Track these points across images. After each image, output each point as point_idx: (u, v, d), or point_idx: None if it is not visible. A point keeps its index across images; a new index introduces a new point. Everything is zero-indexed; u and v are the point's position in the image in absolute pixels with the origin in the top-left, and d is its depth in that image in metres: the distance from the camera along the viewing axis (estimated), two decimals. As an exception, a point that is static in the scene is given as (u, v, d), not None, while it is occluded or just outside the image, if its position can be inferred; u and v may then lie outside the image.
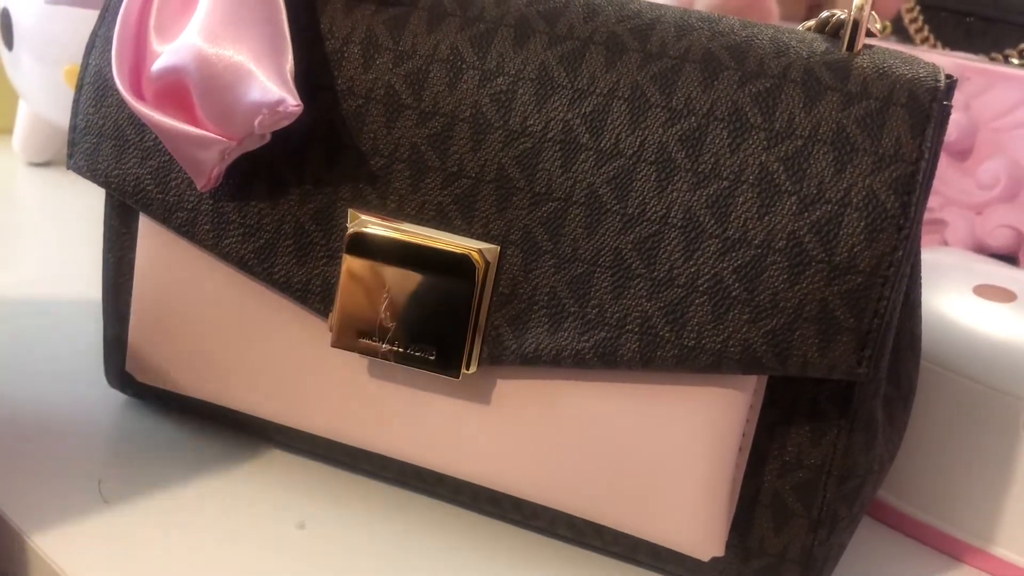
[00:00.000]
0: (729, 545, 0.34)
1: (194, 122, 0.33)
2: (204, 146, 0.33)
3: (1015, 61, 0.68)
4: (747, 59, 0.32)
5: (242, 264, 0.35)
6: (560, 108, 0.32)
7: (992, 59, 0.69)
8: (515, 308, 0.33)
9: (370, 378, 0.35)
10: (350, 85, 0.34)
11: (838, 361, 0.30)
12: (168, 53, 0.32)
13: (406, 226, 0.34)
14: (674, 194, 0.31)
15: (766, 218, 0.30)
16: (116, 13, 0.34)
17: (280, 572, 0.34)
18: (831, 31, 0.33)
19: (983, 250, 0.56)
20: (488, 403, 0.34)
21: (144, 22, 0.34)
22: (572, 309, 0.32)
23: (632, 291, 0.32)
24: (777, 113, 0.31)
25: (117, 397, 0.42)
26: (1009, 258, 0.56)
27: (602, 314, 0.32)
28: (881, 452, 0.35)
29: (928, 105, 0.30)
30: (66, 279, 0.52)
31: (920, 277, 0.35)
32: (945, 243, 0.57)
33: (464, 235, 0.33)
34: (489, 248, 0.33)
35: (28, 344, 0.45)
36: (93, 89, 0.37)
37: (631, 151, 0.32)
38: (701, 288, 0.31)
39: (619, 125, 0.32)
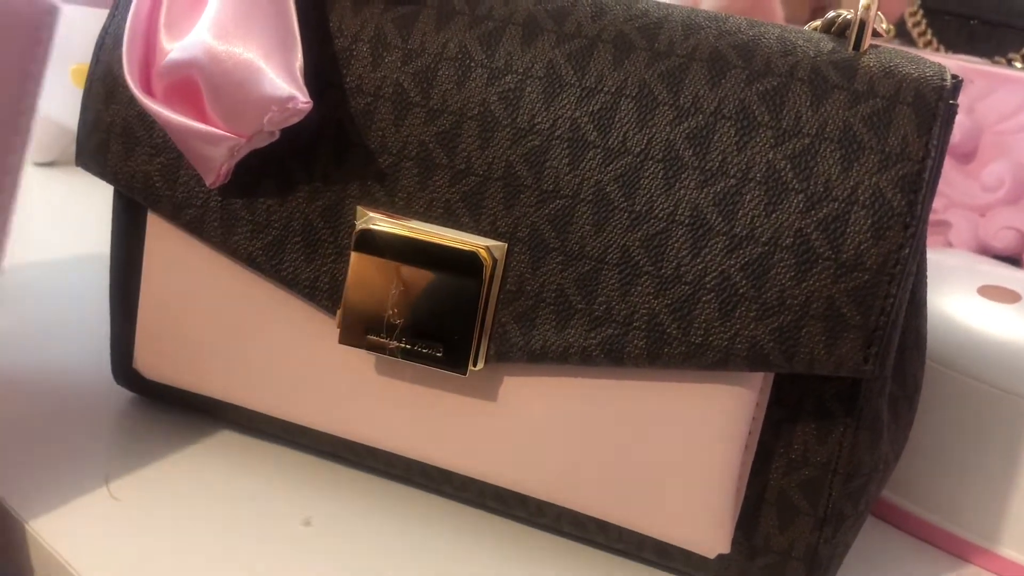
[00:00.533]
0: (735, 542, 0.34)
1: (204, 119, 0.33)
2: (213, 143, 0.33)
3: (1018, 65, 0.69)
4: (754, 58, 0.32)
5: (250, 260, 0.35)
6: (568, 106, 0.32)
7: (995, 63, 0.69)
8: (522, 305, 0.33)
9: (377, 375, 0.36)
10: (359, 83, 0.34)
11: (845, 358, 0.30)
12: (178, 50, 0.32)
13: (414, 223, 0.34)
14: (681, 191, 0.31)
15: (773, 215, 0.30)
16: (126, 11, 0.34)
17: (286, 568, 0.34)
18: (837, 31, 0.33)
19: (987, 252, 0.56)
20: (495, 400, 0.34)
21: (154, 19, 0.34)
22: (579, 306, 0.32)
23: (639, 288, 0.32)
24: (784, 111, 0.31)
25: (124, 394, 0.42)
26: (1013, 259, 0.56)
27: (609, 311, 0.32)
28: (886, 451, 0.35)
29: (934, 104, 0.30)
30: (73, 277, 0.52)
31: (926, 276, 0.35)
32: (949, 245, 0.57)
33: (472, 232, 0.33)
34: (496, 245, 0.33)
35: (36, 342, 0.45)
36: (103, 86, 0.37)
37: (638, 149, 0.32)
38: (708, 285, 0.31)
39: (627, 123, 0.32)
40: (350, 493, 0.38)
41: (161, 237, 0.37)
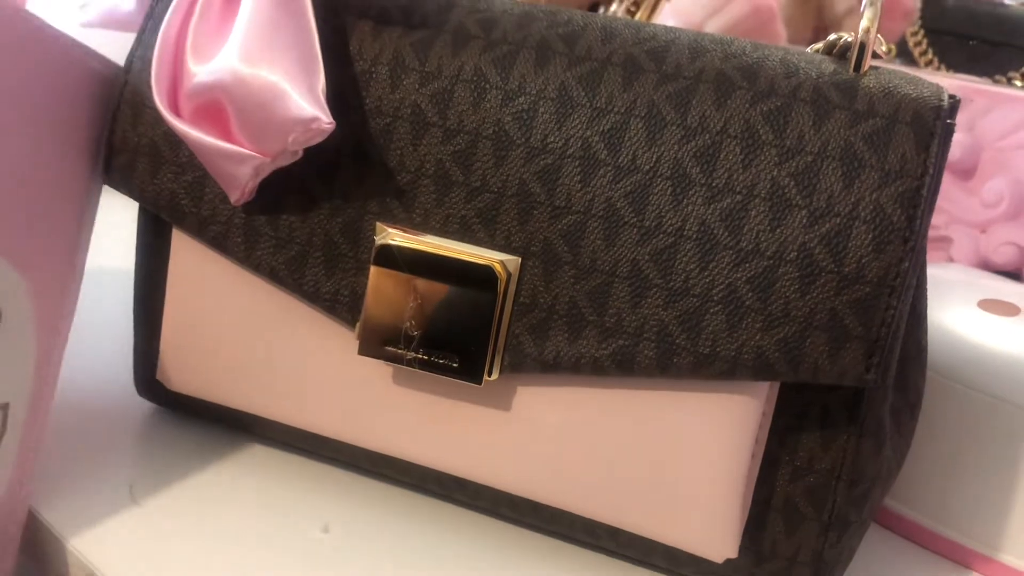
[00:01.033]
0: (742, 548, 0.35)
1: (229, 138, 0.34)
2: (239, 162, 0.34)
3: (1018, 83, 0.70)
4: (758, 79, 0.33)
5: (272, 275, 0.37)
6: (579, 126, 0.34)
7: (996, 81, 0.70)
8: (536, 317, 0.34)
9: (394, 385, 0.37)
10: (378, 104, 0.36)
11: (847, 368, 0.31)
12: (205, 73, 0.34)
13: (431, 238, 0.35)
14: (689, 208, 0.33)
15: (778, 231, 0.32)
16: (153, 35, 0.36)
17: (305, 574, 0.35)
18: (838, 53, 0.35)
19: (987, 267, 0.58)
20: (509, 409, 0.35)
21: (182, 43, 0.35)
22: (591, 318, 0.34)
23: (649, 301, 0.33)
24: (788, 130, 0.32)
25: (147, 406, 0.43)
26: (1013, 274, 0.57)
27: (620, 323, 0.33)
28: (889, 458, 0.36)
29: (932, 123, 0.32)
30: (98, 291, 0.53)
31: (926, 289, 0.37)
32: (950, 260, 0.58)
33: (487, 247, 0.35)
34: (511, 259, 0.34)
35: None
36: (130, 108, 0.38)
37: (648, 167, 0.33)
38: (716, 298, 0.32)
39: (636, 142, 0.33)
40: (367, 501, 0.39)
41: (185, 252, 0.39)
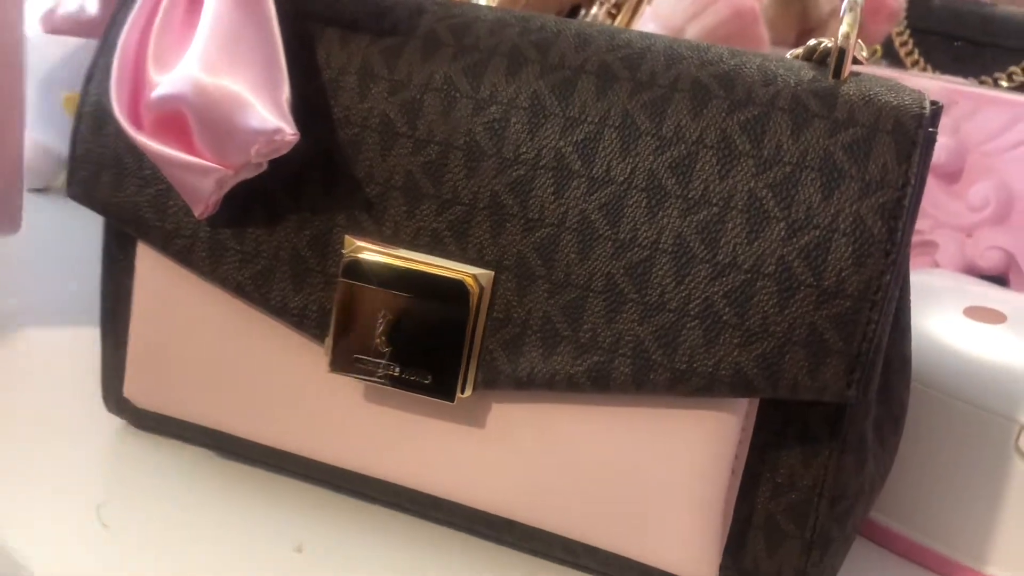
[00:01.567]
0: (723, 567, 0.34)
1: (192, 151, 0.33)
2: (201, 174, 0.33)
3: (1004, 84, 0.69)
4: (735, 87, 0.32)
5: (239, 290, 0.36)
6: (552, 136, 0.33)
7: (982, 82, 0.70)
8: (509, 332, 0.33)
9: (366, 402, 0.36)
10: (346, 114, 0.35)
11: (828, 384, 0.31)
12: (166, 84, 0.33)
13: (402, 252, 0.34)
14: (664, 220, 0.32)
15: (755, 243, 0.31)
16: (115, 43, 0.35)
17: (277, 596, 0.34)
18: (818, 59, 0.34)
19: (974, 272, 0.57)
20: (483, 426, 0.35)
21: (143, 52, 0.34)
22: (565, 333, 0.33)
23: (624, 315, 0.32)
24: (765, 140, 0.31)
25: (116, 422, 0.42)
26: (1000, 279, 0.56)
27: (595, 338, 0.32)
28: (872, 473, 0.35)
29: (914, 132, 0.31)
30: (64, 305, 0.52)
31: (909, 300, 0.36)
32: (936, 265, 0.58)
33: (459, 261, 0.34)
34: (483, 273, 0.33)
35: (27, 369, 0.46)
36: (92, 118, 0.37)
37: (622, 178, 0.32)
38: (692, 312, 0.31)
39: (610, 153, 0.32)
40: (341, 519, 0.38)
41: (151, 267, 0.38)
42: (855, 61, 0.33)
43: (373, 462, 0.36)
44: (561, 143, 0.33)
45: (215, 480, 0.40)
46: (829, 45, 0.33)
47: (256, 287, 0.35)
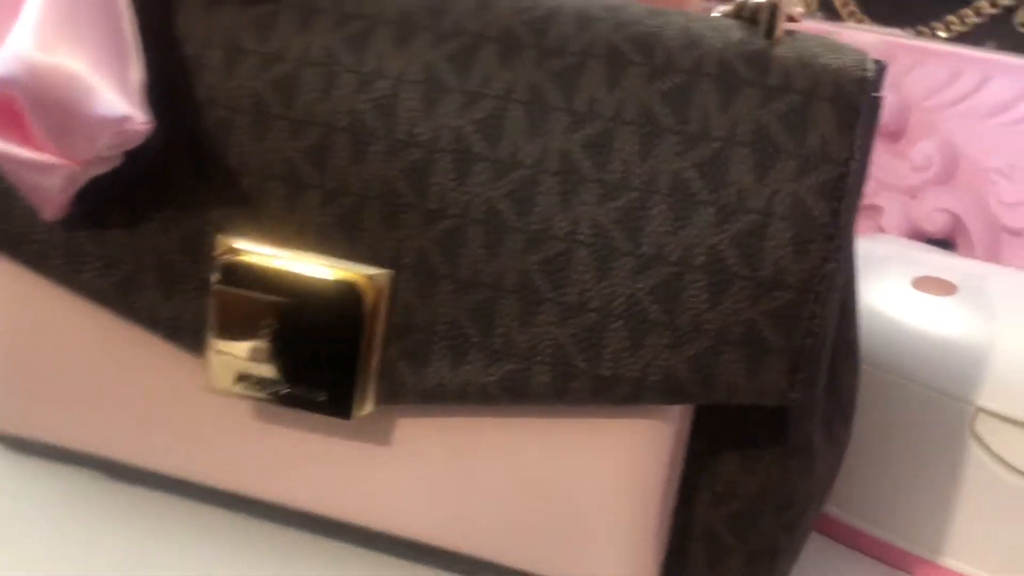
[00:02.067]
0: (661, 586, 0.31)
1: (31, 143, 0.28)
2: (45, 172, 0.29)
3: (942, 35, 0.66)
4: (655, 52, 0.28)
5: (102, 299, 0.31)
6: (450, 114, 0.29)
7: (919, 33, 0.67)
8: (412, 340, 0.29)
9: (255, 420, 0.32)
10: (212, 95, 0.30)
11: (768, 386, 0.27)
12: (-6, 64, 0.28)
13: (284, 252, 0.30)
14: (581, 208, 0.28)
15: (682, 232, 0.27)
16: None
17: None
18: (749, 17, 0.30)
19: (919, 235, 0.54)
20: (388, 444, 0.31)
21: (-31, 29, 0.29)
22: (476, 339, 0.29)
23: (541, 317, 0.28)
24: (690, 113, 0.28)
25: (-17, 448, 0.38)
26: (946, 242, 0.54)
27: (509, 344, 0.28)
28: (821, 475, 0.32)
29: (856, 98, 0.27)
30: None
31: (856, 281, 0.32)
32: (881, 230, 0.55)
33: (350, 259, 0.29)
34: (379, 273, 0.29)
35: None
36: (-78, 107, 0.32)
37: (531, 161, 0.28)
38: (616, 312, 0.28)
39: (517, 132, 0.28)
40: (247, 543, 0.34)
41: (3, 277, 0.33)
42: (789, 18, 0.29)
43: (267, 485, 0.32)
44: (461, 122, 0.29)
45: (102, 505, 0.35)
46: (760, 1, 0.29)
47: (121, 296, 0.31)
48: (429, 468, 0.30)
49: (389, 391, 0.30)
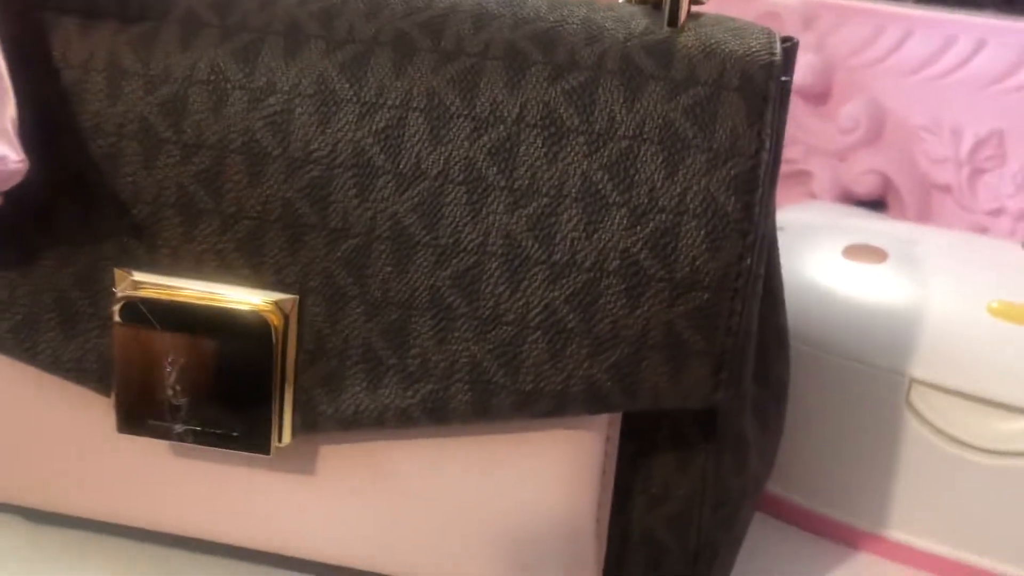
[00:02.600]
0: (603, 592, 0.30)
1: (-99, 190, 0.27)
2: (-81, 217, 0.27)
3: (866, -11, 0.66)
4: (556, 49, 0.27)
5: (0, 346, 0.30)
6: (347, 127, 0.27)
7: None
8: (325, 366, 0.28)
9: (174, 457, 0.30)
10: (96, 122, 0.28)
11: (692, 389, 0.27)
12: None
13: (184, 283, 0.28)
14: (490, 218, 0.27)
15: (595, 236, 0.26)
16: None
17: None
18: (653, 2, 0.29)
19: (849, 197, 0.54)
20: (312, 474, 0.30)
21: None
22: (391, 361, 0.28)
23: (456, 334, 0.27)
24: (596, 112, 0.27)
25: None
26: (877, 203, 0.53)
27: (425, 364, 0.27)
28: (756, 468, 0.32)
29: (764, 85, 0.26)
30: None
31: (779, 266, 0.32)
32: (812, 195, 0.54)
33: (255, 286, 0.28)
34: (285, 299, 0.28)
35: None
36: None
37: (435, 171, 0.27)
38: (532, 323, 0.27)
39: (418, 142, 0.27)
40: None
41: None
42: (694, 1, 0.28)
43: (190, 523, 0.31)
44: (359, 134, 0.27)
45: (30, 553, 0.34)
46: (663, -15, 0.28)
47: (18, 341, 0.29)
48: (354, 494, 0.29)
49: (306, 421, 0.29)
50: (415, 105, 0.27)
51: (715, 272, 0.26)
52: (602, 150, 0.26)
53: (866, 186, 0.53)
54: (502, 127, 0.27)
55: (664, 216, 0.26)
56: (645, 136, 0.26)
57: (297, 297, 0.28)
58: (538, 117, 0.27)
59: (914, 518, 0.37)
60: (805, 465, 0.39)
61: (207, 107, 0.28)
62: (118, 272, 0.29)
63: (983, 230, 0.50)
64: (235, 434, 0.29)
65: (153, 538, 0.34)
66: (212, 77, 0.28)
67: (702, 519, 0.30)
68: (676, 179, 0.26)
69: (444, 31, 0.28)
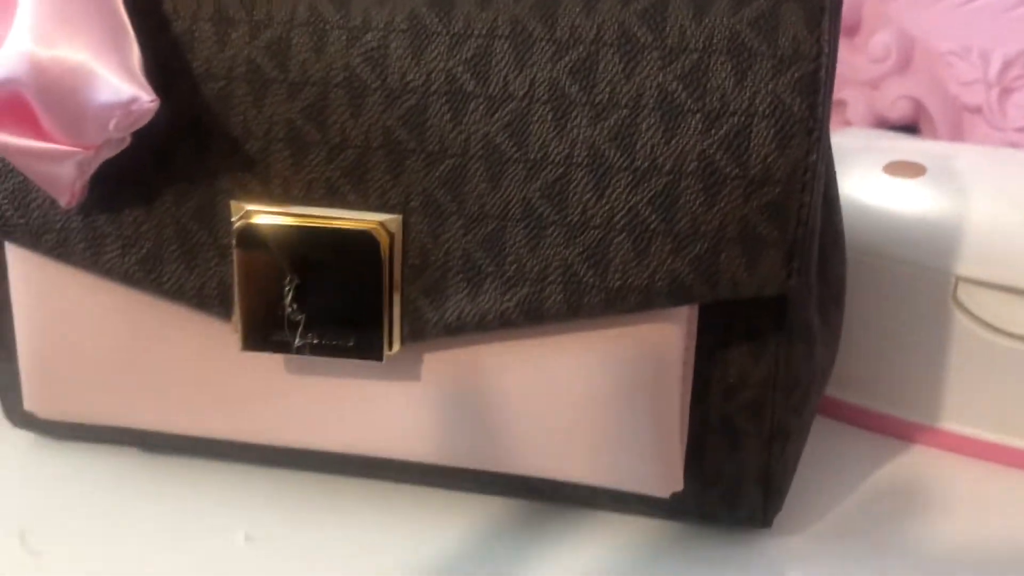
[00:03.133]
0: (687, 477, 0.33)
1: (41, 136, 0.30)
2: (57, 160, 0.30)
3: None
4: (628, -27, 0.30)
5: (127, 278, 0.32)
6: (439, 57, 0.30)
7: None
8: (430, 278, 0.31)
9: (289, 374, 0.33)
10: (207, 67, 0.31)
11: (767, 277, 0.29)
12: (-4, 63, 0.29)
13: (296, 209, 0.31)
14: (574, 131, 0.29)
15: (673, 141, 0.29)
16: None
17: (233, 592, 0.32)
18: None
19: (883, 124, 0.56)
20: (419, 379, 0.32)
21: (-38, 32, 0.30)
22: (489, 269, 0.30)
23: (548, 240, 0.30)
24: (667, 28, 0.29)
25: (26, 436, 0.39)
26: (910, 128, 0.56)
27: (521, 269, 0.30)
28: (821, 356, 0.34)
29: (820, -5, 0.29)
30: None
31: (835, 171, 0.34)
32: (848, 123, 0.57)
33: (361, 209, 0.31)
34: (390, 219, 0.31)
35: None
36: (-78, 114, 0.33)
37: (522, 92, 0.30)
38: (618, 226, 0.29)
39: (505, 66, 0.30)
40: (286, 496, 0.36)
41: (25, 267, 0.34)
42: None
43: (307, 435, 0.34)
44: (450, 63, 0.30)
45: (145, 480, 0.37)
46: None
47: (146, 273, 0.32)
48: (459, 396, 0.32)
49: (414, 329, 0.31)
50: (500, 33, 0.30)
51: (785, 167, 0.28)
52: (675, 63, 0.29)
53: (899, 111, 0.55)
54: (581, 47, 0.29)
55: (736, 119, 0.28)
56: (714, 48, 0.29)
57: (401, 216, 0.31)
58: (614, 36, 0.29)
59: (965, 409, 0.40)
60: (860, 367, 0.41)
61: (309, 47, 0.30)
62: (234, 204, 0.31)
63: (1014, 147, 0.53)
64: (350, 345, 0.31)
65: (261, 458, 0.37)
66: (312, 19, 0.31)
67: (775, 405, 0.32)
68: (745, 84, 0.29)
69: (522, -35, 0.30)
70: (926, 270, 0.39)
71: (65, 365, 0.35)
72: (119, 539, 0.34)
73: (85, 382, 0.35)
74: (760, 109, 0.28)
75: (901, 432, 0.41)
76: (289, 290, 0.31)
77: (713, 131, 0.29)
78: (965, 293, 0.39)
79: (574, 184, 0.29)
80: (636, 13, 0.29)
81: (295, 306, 0.31)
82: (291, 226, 0.31)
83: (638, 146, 0.29)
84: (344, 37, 0.30)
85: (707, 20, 0.29)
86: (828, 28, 0.29)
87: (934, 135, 0.54)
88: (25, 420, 0.38)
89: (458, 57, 0.30)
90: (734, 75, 0.29)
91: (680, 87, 0.29)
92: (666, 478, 0.32)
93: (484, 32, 0.30)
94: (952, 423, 0.40)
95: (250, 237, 0.31)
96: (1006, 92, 0.53)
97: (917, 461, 0.40)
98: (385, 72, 0.30)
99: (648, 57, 0.29)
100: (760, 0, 0.29)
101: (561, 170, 0.29)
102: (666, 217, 0.29)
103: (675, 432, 0.32)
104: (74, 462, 0.38)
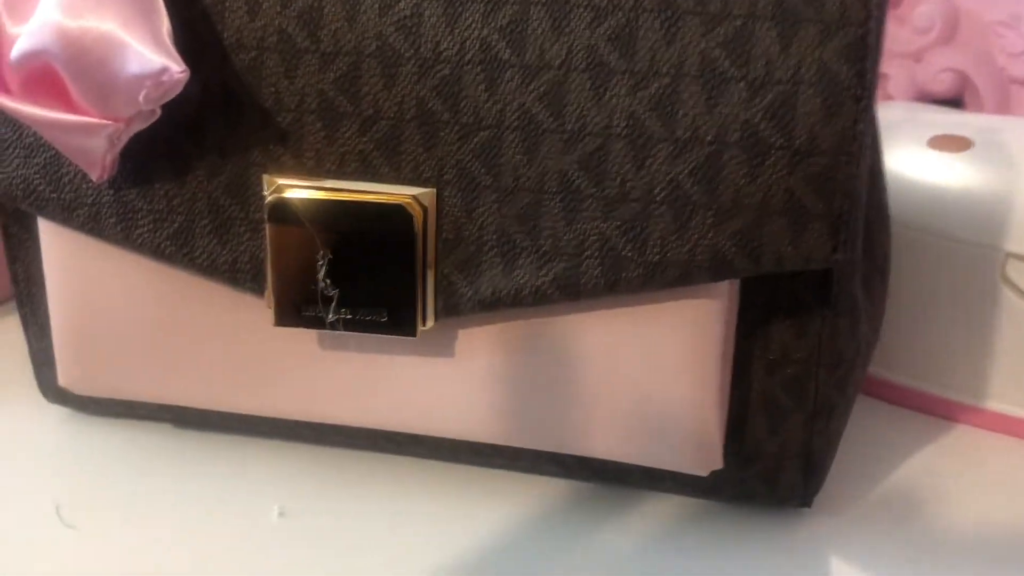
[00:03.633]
0: (727, 455, 0.32)
1: (72, 108, 0.29)
2: (89, 133, 0.29)
3: None
4: (668, -61, 0.29)
5: (159, 253, 0.32)
6: (474, 25, 0.29)
7: None
8: (464, 252, 0.30)
9: (322, 350, 0.33)
10: (238, 37, 0.31)
11: (813, 251, 0.28)
12: (26, 36, 0.28)
13: (329, 183, 0.31)
14: (613, 101, 0.29)
15: (715, 111, 0.28)
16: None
17: (270, 565, 0.32)
18: None
19: (926, 98, 0.55)
20: (452, 355, 0.32)
21: (-8, 4, 0.30)
22: (524, 244, 0.30)
23: (585, 214, 0.29)
24: (709, -7, 0.28)
25: (60, 411, 0.39)
26: (954, 102, 0.54)
27: (557, 244, 0.29)
28: (866, 332, 0.33)
29: (869, -42, 0.28)
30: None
31: (880, 144, 0.33)
32: (889, 97, 0.55)
33: (394, 183, 0.30)
34: (424, 192, 0.30)
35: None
36: (-46, 88, 0.33)
37: (559, 61, 0.29)
38: (658, 198, 0.29)
39: (541, 34, 0.29)
40: (318, 472, 0.36)
41: (58, 242, 0.34)
42: None
43: (340, 410, 0.34)
44: (485, 31, 0.29)
45: (178, 456, 0.37)
46: None
47: (177, 248, 0.32)
48: (493, 373, 0.32)
49: (448, 304, 0.31)
50: (535, 0, 0.29)
51: (832, 137, 0.27)
52: (718, 28, 0.28)
53: (943, 84, 0.53)
54: (620, 14, 0.28)
55: (781, 87, 0.28)
56: (759, 13, 0.28)
57: (435, 190, 0.30)
58: (655, 2, 0.28)
59: (1012, 389, 0.39)
60: (904, 345, 0.40)
61: (341, 16, 0.30)
62: (266, 177, 0.31)
63: (1063, 120, 0.51)
64: (383, 320, 0.31)
65: (295, 435, 0.36)
66: (344, -13, 0.30)
67: (819, 381, 0.32)
68: (791, 51, 0.28)
69: (558, -70, 0.29)
70: (974, 246, 0.38)
71: (98, 341, 0.35)
72: (152, 515, 0.34)
73: (118, 358, 0.35)
74: (806, 77, 0.27)
75: (945, 412, 0.40)
76: (322, 265, 0.31)
77: (758, 100, 0.28)
78: (1015, 270, 0.38)
79: (612, 156, 0.29)
80: (677, -22, 0.28)
81: (328, 281, 0.31)
82: (323, 200, 0.30)
83: (679, 116, 0.28)
84: (376, 5, 0.30)
85: (751, -16, 0.28)
86: (877, -8, 0.28)
87: (979, 108, 0.53)
88: (59, 396, 0.38)
89: (493, 24, 0.29)
90: (779, 41, 0.28)
91: (723, 54, 0.28)
92: (705, 457, 0.32)
93: (520, -1, 0.29)
94: (998, 403, 0.39)
95: (282, 212, 0.31)
96: (1056, 63, 0.51)
97: (961, 441, 0.39)
98: (418, 41, 0.29)
99: (690, 23, 0.28)
100: (806, -37, 0.28)
101: (599, 141, 0.29)
102: (708, 189, 0.28)
103: (715, 410, 0.31)
104: (108, 438, 0.38)
